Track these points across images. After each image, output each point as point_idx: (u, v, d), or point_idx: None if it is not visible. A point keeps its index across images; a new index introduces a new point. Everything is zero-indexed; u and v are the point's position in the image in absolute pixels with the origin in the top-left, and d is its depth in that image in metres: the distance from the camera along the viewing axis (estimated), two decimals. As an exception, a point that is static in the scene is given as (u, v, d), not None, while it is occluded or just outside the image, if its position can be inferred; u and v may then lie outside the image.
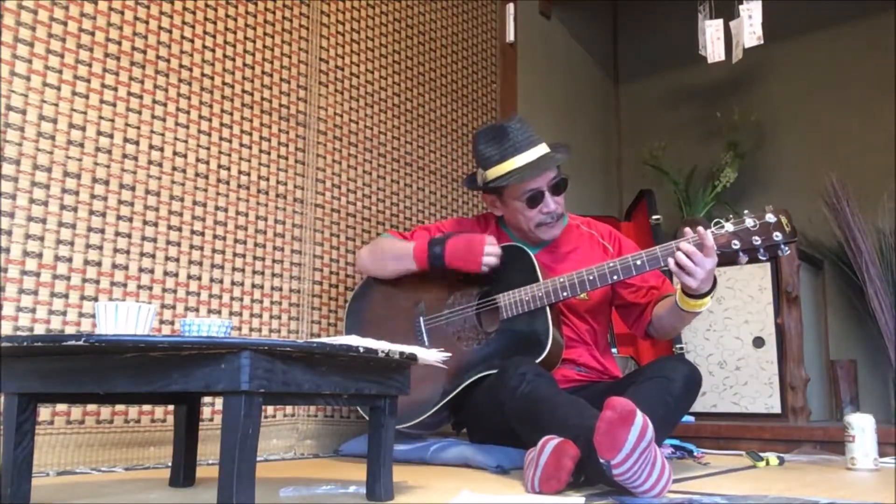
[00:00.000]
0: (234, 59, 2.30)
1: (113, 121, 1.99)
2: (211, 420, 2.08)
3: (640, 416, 1.34)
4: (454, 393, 2.00)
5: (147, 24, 2.09)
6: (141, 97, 2.06)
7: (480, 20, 3.36)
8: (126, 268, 1.98)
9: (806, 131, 3.64)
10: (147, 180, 2.05)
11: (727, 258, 1.78)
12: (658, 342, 2.80)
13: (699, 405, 2.97)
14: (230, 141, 2.26)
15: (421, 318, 2.14)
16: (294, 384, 1.16)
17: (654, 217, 3.15)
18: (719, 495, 1.40)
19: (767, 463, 2.06)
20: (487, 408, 1.90)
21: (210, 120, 2.22)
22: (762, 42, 2.91)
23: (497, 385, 1.81)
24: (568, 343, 2.01)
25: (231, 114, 2.28)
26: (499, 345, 2.00)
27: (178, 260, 2.09)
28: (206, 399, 2.06)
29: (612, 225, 2.37)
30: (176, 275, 2.08)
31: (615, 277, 1.88)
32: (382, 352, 1.28)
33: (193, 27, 2.20)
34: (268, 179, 2.35)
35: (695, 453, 2.21)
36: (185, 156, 2.14)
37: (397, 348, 1.32)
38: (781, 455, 2.19)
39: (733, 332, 3.07)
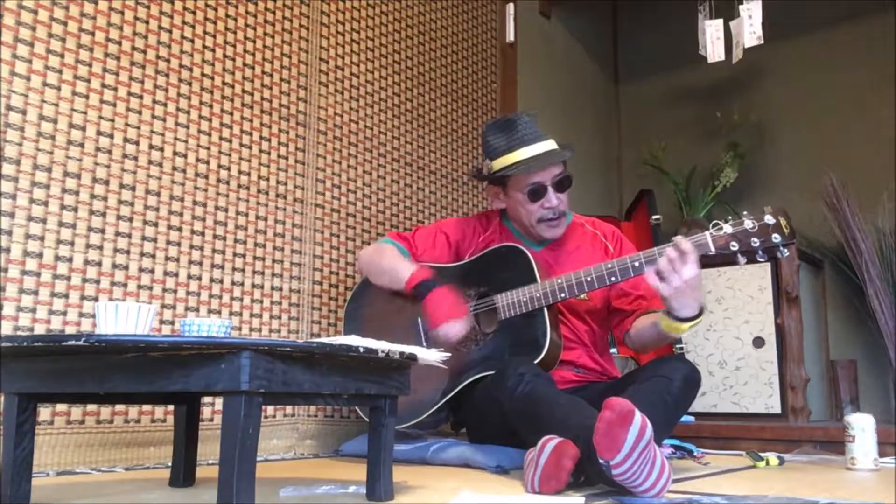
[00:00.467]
0: (234, 59, 2.30)
1: (113, 121, 1.99)
2: (211, 420, 2.08)
3: (638, 416, 1.34)
4: (453, 393, 2.00)
5: (147, 24, 2.09)
6: (141, 97, 2.06)
7: (480, 20, 3.36)
8: (126, 268, 1.98)
9: (806, 131, 3.63)
10: (147, 180, 2.05)
11: (725, 259, 1.77)
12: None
13: (699, 405, 2.97)
14: (230, 141, 2.26)
15: (420, 319, 2.14)
16: (294, 384, 1.16)
17: (654, 217, 3.15)
18: (719, 495, 1.40)
19: (767, 463, 2.06)
20: (487, 408, 1.90)
21: (210, 120, 2.22)
22: (762, 42, 2.91)
23: (496, 385, 1.81)
24: (566, 344, 2.01)
25: (231, 114, 2.28)
26: (497, 345, 2.00)
27: (178, 260, 2.09)
28: (206, 399, 2.06)
29: (613, 225, 2.37)
30: (176, 275, 2.08)
31: (613, 279, 1.87)
32: (382, 352, 1.28)
33: (193, 27, 2.20)
34: (268, 179, 2.35)
35: (695, 453, 2.21)
36: (185, 156, 2.14)
37: (397, 348, 1.32)
38: (781, 455, 2.18)
39: (733, 332, 3.07)
